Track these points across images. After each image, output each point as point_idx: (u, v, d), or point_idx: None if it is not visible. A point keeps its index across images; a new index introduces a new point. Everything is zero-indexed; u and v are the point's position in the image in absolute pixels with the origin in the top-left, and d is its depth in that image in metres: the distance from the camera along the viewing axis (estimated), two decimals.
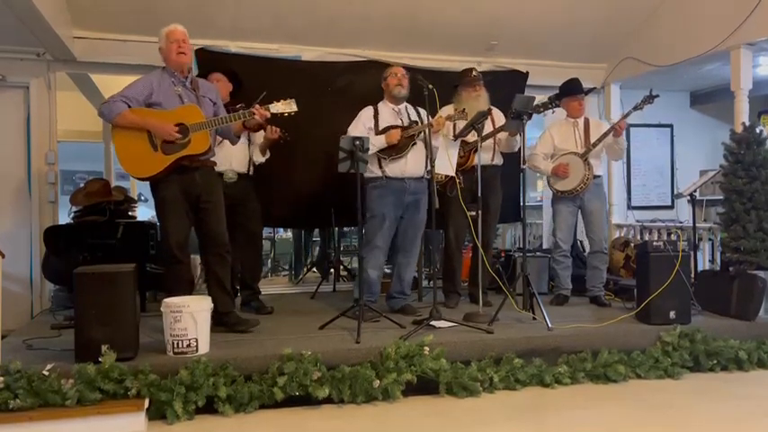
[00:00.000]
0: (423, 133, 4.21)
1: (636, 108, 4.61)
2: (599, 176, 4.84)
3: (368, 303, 4.03)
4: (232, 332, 3.69)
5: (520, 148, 4.40)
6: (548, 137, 4.95)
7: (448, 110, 4.54)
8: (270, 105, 3.68)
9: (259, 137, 4.57)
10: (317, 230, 6.92)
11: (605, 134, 4.69)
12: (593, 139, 4.74)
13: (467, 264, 4.95)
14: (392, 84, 4.31)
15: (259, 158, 4.63)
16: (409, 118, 4.35)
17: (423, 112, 4.36)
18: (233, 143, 4.11)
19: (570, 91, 4.89)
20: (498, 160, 4.72)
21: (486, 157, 4.48)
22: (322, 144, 4.87)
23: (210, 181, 3.74)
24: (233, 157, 4.42)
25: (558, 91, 4.97)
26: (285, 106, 3.68)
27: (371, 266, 4.24)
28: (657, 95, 4.57)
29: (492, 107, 4.58)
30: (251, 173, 4.57)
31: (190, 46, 3.70)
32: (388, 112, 4.32)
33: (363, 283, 4.11)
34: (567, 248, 4.91)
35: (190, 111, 3.57)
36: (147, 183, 3.67)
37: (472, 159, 4.56)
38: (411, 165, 4.25)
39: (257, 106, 3.67)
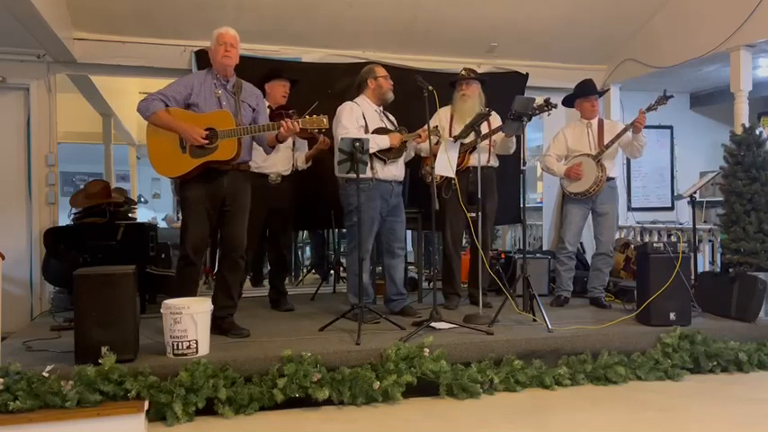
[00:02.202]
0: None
1: (650, 108, 4.56)
2: (613, 179, 4.81)
3: (367, 305, 4.03)
4: (225, 336, 3.68)
5: (520, 150, 4.40)
6: (561, 138, 4.93)
7: (445, 110, 4.53)
8: (300, 120, 3.67)
9: (305, 142, 4.72)
10: (307, 232, 6.97)
11: (619, 135, 4.64)
12: (606, 141, 4.70)
13: (466, 265, 4.95)
14: (385, 86, 4.30)
15: (302, 164, 4.74)
16: (390, 121, 4.40)
17: (391, 117, 4.45)
18: (267, 153, 4.12)
19: (582, 92, 4.88)
20: (494, 162, 4.70)
21: (481, 158, 4.48)
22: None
23: (238, 186, 3.71)
24: (278, 160, 4.51)
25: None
26: (315, 122, 3.66)
27: (363, 270, 4.21)
28: (671, 96, 4.53)
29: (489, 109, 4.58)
30: (292, 173, 4.67)
31: (237, 51, 3.70)
32: (372, 113, 4.32)
33: (360, 286, 4.09)
34: (573, 250, 4.90)
35: (222, 116, 3.57)
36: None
37: (467, 161, 4.56)
38: (399, 168, 4.33)
39: (287, 120, 3.66)
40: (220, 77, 3.69)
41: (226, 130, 3.54)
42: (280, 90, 4.59)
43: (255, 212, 4.39)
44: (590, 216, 4.87)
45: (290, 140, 4.50)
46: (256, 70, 4.84)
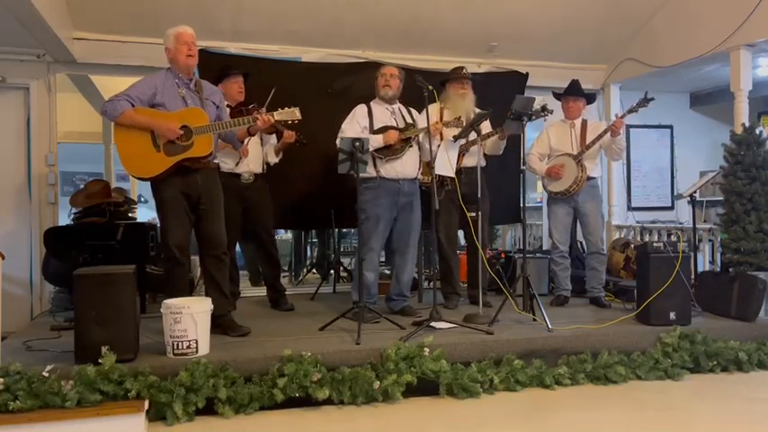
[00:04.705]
0: (418, 136, 4.23)
1: (631, 110, 4.60)
2: (594, 178, 4.84)
3: (367, 304, 4.03)
4: (226, 335, 3.68)
5: (520, 149, 4.40)
6: (545, 137, 4.97)
7: (434, 107, 4.51)
8: (274, 113, 3.69)
9: (272, 137, 4.66)
10: (314, 231, 6.94)
11: (600, 136, 4.68)
12: (588, 141, 4.74)
13: (464, 265, 4.95)
14: (380, 84, 4.32)
15: (273, 159, 4.70)
16: (404, 119, 4.35)
17: (415, 113, 4.39)
18: (236, 148, 4.12)
19: (566, 92, 4.92)
20: (482, 162, 4.69)
21: (472, 159, 4.48)
22: (322, 145, 4.86)
23: (211, 183, 3.73)
24: (249, 158, 4.48)
25: (558, 91, 5.01)
26: (289, 114, 3.68)
27: (368, 268, 4.20)
28: (653, 98, 4.55)
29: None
30: (264, 171, 4.64)
31: (197, 48, 3.71)
32: (382, 112, 4.32)
33: (360, 284, 4.09)
34: (565, 249, 4.92)
35: (194, 113, 3.56)
36: (147, 183, 3.67)
37: (459, 162, 4.55)
38: (406, 166, 4.26)
39: (261, 112, 3.68)
40: (182, 77, 3.65)
41: (201, 126, 3.52)
42: (235, 87, 4.49)
43: (230, 212, 4.38)
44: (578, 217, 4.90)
45: (257, 136, 4.47)
46: (256, 71, 4.84)
